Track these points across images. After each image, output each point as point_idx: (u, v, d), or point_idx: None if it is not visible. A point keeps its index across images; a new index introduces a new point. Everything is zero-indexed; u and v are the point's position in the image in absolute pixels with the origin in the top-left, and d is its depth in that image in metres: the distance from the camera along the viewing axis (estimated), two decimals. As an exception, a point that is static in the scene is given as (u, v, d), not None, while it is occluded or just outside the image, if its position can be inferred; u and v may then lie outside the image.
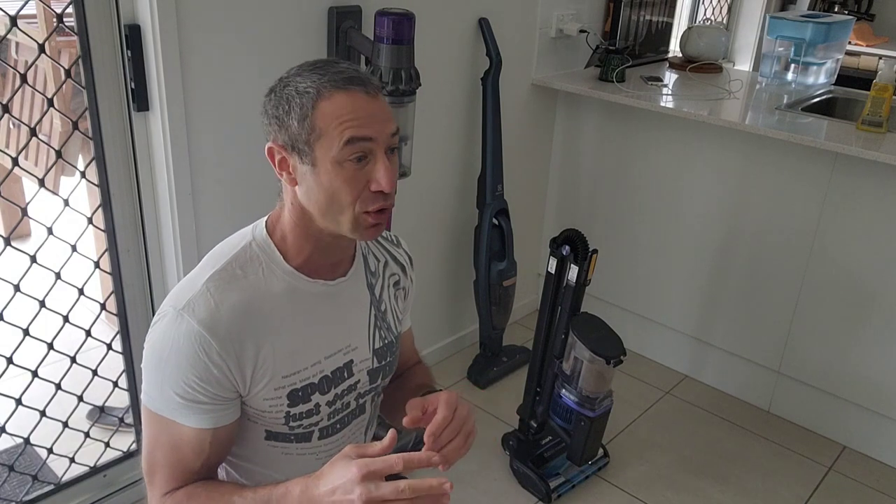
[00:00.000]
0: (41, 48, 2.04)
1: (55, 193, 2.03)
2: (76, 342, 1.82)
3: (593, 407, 1.92)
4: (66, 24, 1.60)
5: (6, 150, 2.63)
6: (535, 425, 2.10)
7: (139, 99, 1.64)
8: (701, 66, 2.86)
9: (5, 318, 1.64)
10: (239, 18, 1.72)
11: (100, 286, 2.13)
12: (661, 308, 2.69)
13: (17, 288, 1.66)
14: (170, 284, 1.83)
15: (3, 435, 1.75)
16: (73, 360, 1.80)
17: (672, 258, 2.61)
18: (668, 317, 2.69)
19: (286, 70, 0.99)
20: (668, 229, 2.59)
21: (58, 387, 1.78)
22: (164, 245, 1.80)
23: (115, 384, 1.90)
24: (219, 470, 1.10)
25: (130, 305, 1.82)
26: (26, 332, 1.69)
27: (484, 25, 2.30)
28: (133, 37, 1.59)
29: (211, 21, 1.67)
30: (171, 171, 1.69)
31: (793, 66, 2.75)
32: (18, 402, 1.75)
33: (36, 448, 1.88)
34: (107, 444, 1.95)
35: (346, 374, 1.09)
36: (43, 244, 1.64)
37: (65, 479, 1.87)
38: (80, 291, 1.77)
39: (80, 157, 2.38)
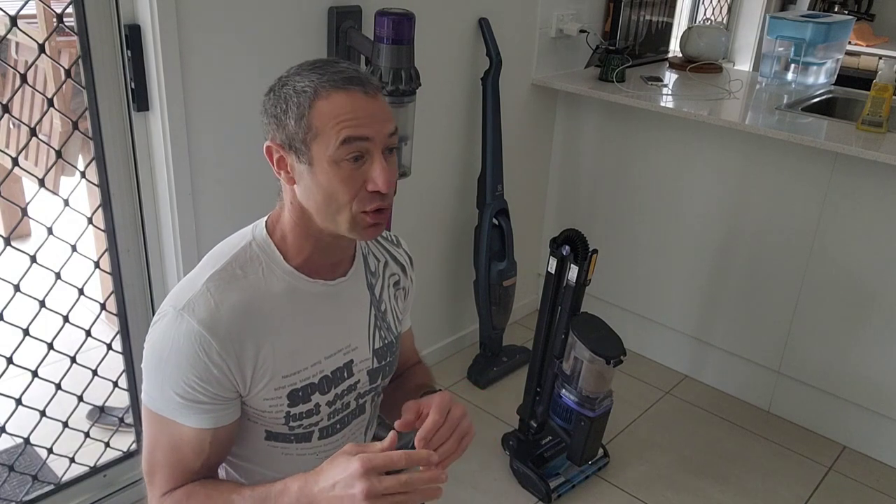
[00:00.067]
0: (41, 48, 2.04)
1: (55, 193, 2.03)
2: (76, 342, 1.82)
3: (593, 407, 1.92)
4: (66, 24, 1.60)
5: (6, 150, 2.63)
6: (535, 425, 2.10)
7: (139, 99, 1.64)
8: (701, 66, 2.86)
9: (5, 318, 1.64)
10: (239, 18, 1.72)
11: (100, 286, 2.13)
12: (661, 308, 2.69)
13: (17, 288, 1.66)
14: (170, 284, 1.83)
15: (3, 435, 1.75)
16: (73, 360, 1.80)
17: (672, 258, 2.61)
18: (668, 317, 2.69)
19: (286, 70, 0.99)
20: (668, 229, 2.59)
21: (58, 387, 1.78)
22: (164, 245, 1.80)
23: (115, 384, 1.90)
24: (219, 470, 1.10)
25: (130, 305, 1.82)
26: (26, 332, 1.69)
27: (484, 25, 2.30)
28: (133, 37, 1.59)
29: (211, 21, 1.67)
30: (171, 171, 1.69)
31: (793, 66, 2.75)
32: (18, 402, 1.75)
33: (36, 448, 1.88)
34: (107, 444, 1.95)
35: (346, 374, 1.09)
36: (43, 244, 1.64)
37: (65, 479, 1.87)
38: (80, 291, 1.77)
39: (80, 157, 2.38)
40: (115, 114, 1.65)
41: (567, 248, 1.94)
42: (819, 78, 2.78)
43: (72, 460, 1.87)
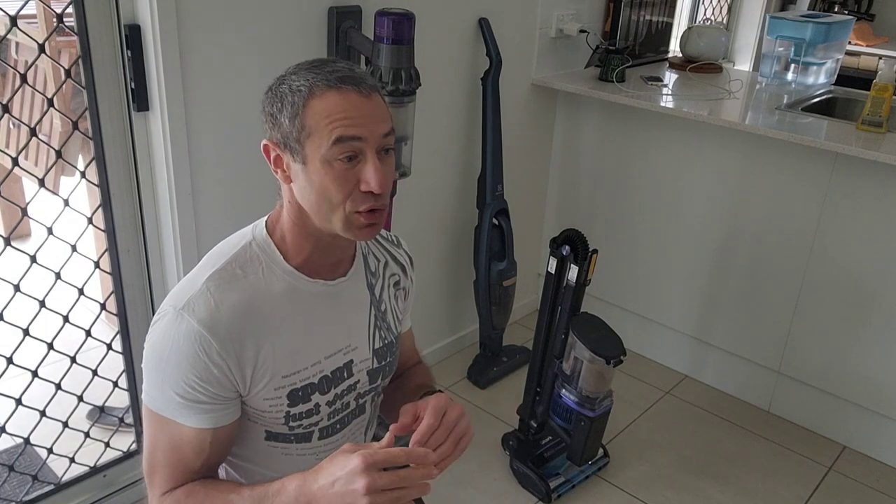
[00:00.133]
0: (41, 48, 2.04)
1: (55, 193, 2.03)
2: (76, 342, 1.82)
3: (593, 407, 1.92)
4: (66, 24, 1.60)
5: (6, 150, 2.63)
6: (535, 425, 2.10)
7: (139, 99, 1.64)
8: (701, 66, 2.86)
9: (5, 318, 1.64)
10: (239, 18, 1.72)
11: (100, 286, 2.13)
12: (661, 308, 2.69)
13: (17, 288, 1.66)
14: (170, 284, 1.83)
15: (3, 435, 1.75)
16: (73, 360, 1.80)
17: (672, 258, 2.61)
18: (668, 317, 2.69)
19: (286, 69, 0.99)
20: (668, 229, 2.59)
21: (58, 387, 1.78)
22: (164, 245, 1.80)
23: (115, 384, 1.90)
24: (219, 470, 1.09)
25: (130, 305, 1.82)
26: (26, 332, 1.69)
27: (484, 25, 2.30)
28: (133, 37, 1.59)
29: (211, 21, 1.67)
30: (171, 171, 1.69)
31: (793, 66, 2.75)
32: (18, 402, 1.75)
33: (36, 448, 1.88)
34: (107, 444, 1.95)
35: (345, 374, 1.09)
36: (43, 244, 1.64)
37: (65, 479, 1.87)
38: (80, 291, 1.77)
39: (80, 157, 2.38)
40: (115, 114, 1.65)
41: (567, 248, 1.94)
42: (819, 78, 2.78)
43: (72, 460, 1.87)
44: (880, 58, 3.80)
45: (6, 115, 1.57)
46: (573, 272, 1.93)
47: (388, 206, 1.00)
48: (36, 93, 2.49)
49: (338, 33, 1.89)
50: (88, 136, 1.66)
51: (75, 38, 1.57)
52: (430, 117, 2.23)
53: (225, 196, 1.83)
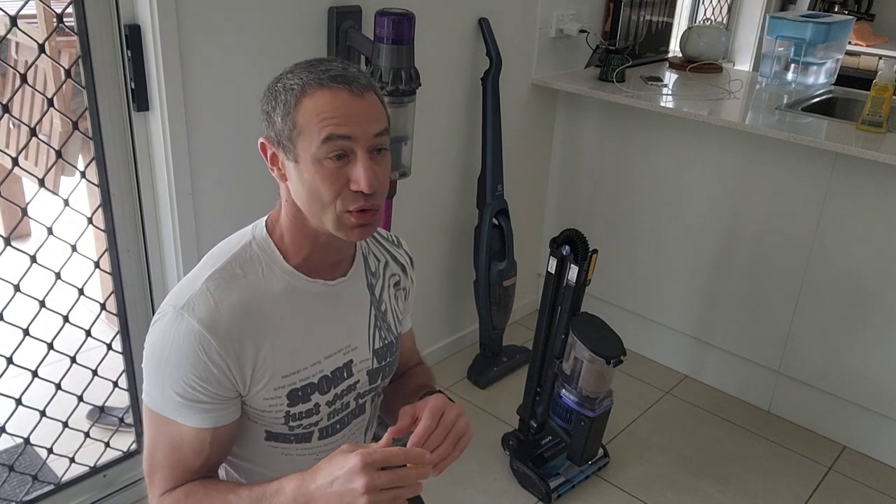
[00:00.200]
0: (41, 48, 2.04)
1: (55, 193, 2.03)
2: (76, 342, 1.82)
3: (593, 407, 1.92)
4: (66, 24, 1.60)
5: (6, 150, 2.63)
6: (535, 425, 2.10)
7: (139, 99, 1.64)
8: (701, 66, 2.86)
9: (5, 318, 1.64)
10: (239, 18, 1.72)
11: (100, 286, 2.13)
12: (661, 308, 2.69)
13: (17, 288, 1.66)
14: (170, 284, 1.83)
15: (3, 435, 1.75)
16: (73, 360, 1.80)
17: (672, 258, 2.61)
18: (668, 317, 2.69)
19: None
20: (668, 229, 2.59)
21: (58, 387, 1.78)
22: (164, 245, 1.80)
23: (115, 384, 1.90)
24: (219, 470, 1.10)
25: (130, 305, 1.82)
26: (26, 332, 1.69)
27: (484, 25, 2.30)
28: (133, 37, 1.59)
29: (211, 21, 1.67)
30: (171, 171, 1.69)
31: (793, 66, 2.75)
32: (18, 402, 1.75)
33: (36, 448, 1.88)
34: (107, 444, 1.95)
35: (345, 374, 1.09)
36: (43, 244, 1.64)
37: (65, 479, 1.87)
38: (80, 291, 1.77)
39: (80, 157, 2.38)
40: (115, 114, 1.65)
41: (567, 248, 1.94)
42: (819, 78, 2.78)
43: (72, 460, 1.87)
44: (880, 58, 3.80)
45: (6, 115, 1.57)
46: (573, 272, 1.93)
47: (381, 207, 0.99)
48: (36, 93, 2.50)
49: (338, 33, 1.89)
50: (88, 136, 1.66)
51: (75, 38, 1.57)
52: (430, 117, 2.23)
53: (225, 196, 1.83)
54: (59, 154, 2.09)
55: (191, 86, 1.67)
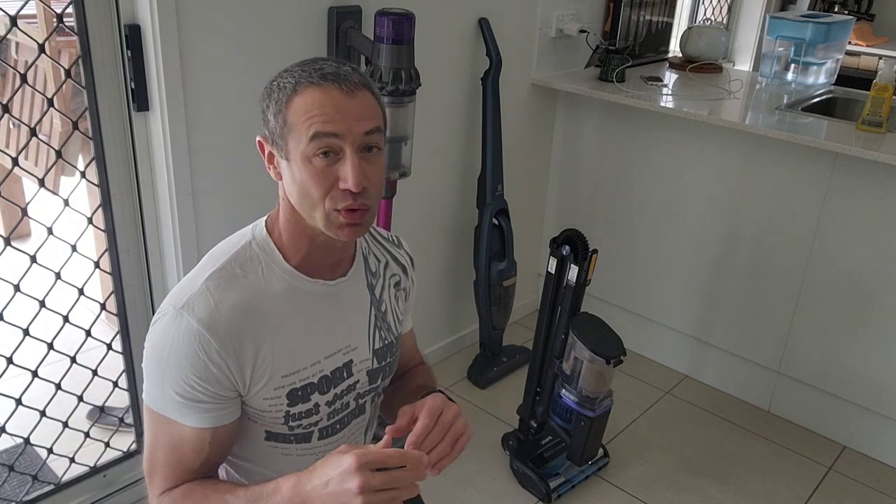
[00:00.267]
0: (41, 48, 2.04)
1: (55, 193, 2.03)
2: (76, 342, 1.82)
3: (593, 407, 1.92)
4: (66, 24, 1.60)
5: (6, 150, 2.63)
6: (535, 425, 2.10)
7: (139, 99, 1.64)
8: (701, 66, 2.86)
9: (5, 318, 1.64)
10: (239, 18, 1.72)
11: (100, 286, 2.13)
12: (661, 308, 2.69)
13: (17, 288, 1.66)
14: (170, 284, 1.83)
15: (3, 435, 1.75)
16: (73, 360, 1.80)
17: (672, 258, 2.61)
18: (668, 317, 2.69)
19: (284, 68, 0.99)
20: (668, 229, 2.59)
21: (58, 387, 1.78)
22: (164, 245, 1.80)
23: (115, 384, 1.90)
24: (220, 470, 1.10)
25: (130, 305, 1.82)
26: (26, 332, 1.69)
27: (484, 25, 2.30)
28: (133, 37, 1.59)
29: (211, 21, 1.67)
30: (171, 171, 1.69)
31: (793, 66, 2.75)
32: (18, 402, 1.75)
33: (36, 448, 1.88)
34: (107, 444, 1.95)
35: (345, 375, 1.09)
36: (43, 244, 1.64)
37: (65, 479, 1.87)
38: (80, 291, 1.77)
39: (80, 157, 2.39)
40: (115, 114, 1.65)
41: (567, 248, 1.94)
42: (819, 78, 2.78)
43: (72, 460, 1.87)
44: (880, 58, 3.80)
45: (6, 115, 1.57)
46: (573, 272, 1.93)
47: (374, 206, 0.98)
48: (36, 93, 2.50)
49: (338, 33, 1.89)
50: (88, 136, 1.66)
51: (75, 38, 1.57)
52: (430, 117, 2.23)
53: (225, 196, 1.83)
54: (59, 154, 2.09)
55: (191, 86, 1.67)
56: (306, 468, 0.93)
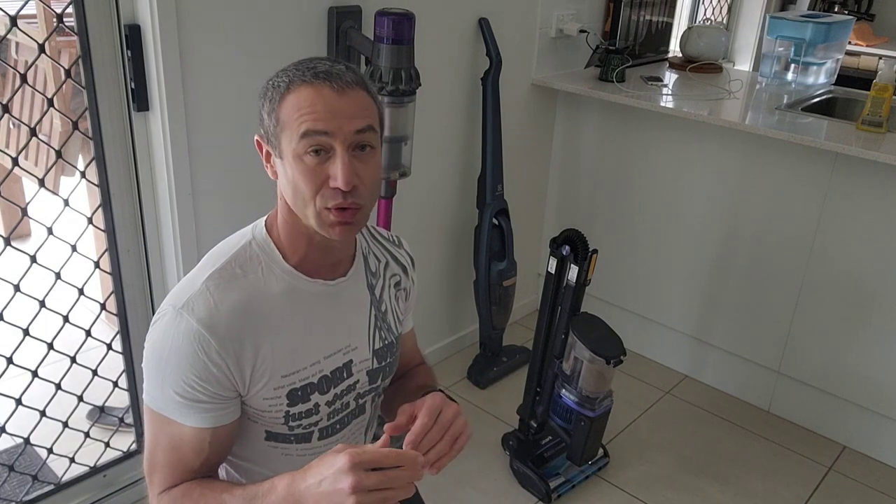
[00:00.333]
0: (41, 48, 2.04)
1: (55, 193, 2.03)
2: (76, 342, 1.82)
3: (593, 407, 1.92)
4: (66, 24, 1.60)
5: (6, 150, 2.63)
6: (535, 425, 2.10)
7: (139, 99, 1.64)
8: (701, 66, 2.86)
9: (5, 318, 1.64)
10: (239, 18, 1.72)
11: (100, 286, 2.13)
12: (661, 308, 2.69)
13: (17, 288, 1.66)
14: (170, 284, 1.83)
15: (3, 435, 1.75)
16: (73, 360, 1.80)
17: (672, 258, 2.61)
18: (668, 317, 2.69)
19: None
20: (668, 229, 2.59)
21: (58, 387, 1.78)
22: (164, 245, 1.80)
23: (115, 384, 1.90)
24: (220, 470, 1.10)
25: (130, 305, 1.82)
26: (26, 332, 1.69)
27: (484, 25, 2.30)
28: (133, 37, 1.59)
29: (211, 21, 1.67)
30: (171, 171, 1.69)
31: (793, 66, 2.75)
32: (18, 402, 1.75)
33: (36, 448, 1.88)
34: (107, 444, 1.95)
35: (345, 375, 1.09)
36: (43, 244, 1.64)
37: (65, 479, 1.87)
38: (80, 291, 1.77)
39: (80, 157, 2.38)
40: (115, 114, 1.65)
41: (567, 248, 1.94)
42: (819, 78, 2.78)
43: (72, 460, 1.87)
44: (880, 58, 3.80)
45: (6, 115, 1.57)
46: (573, 272, 1.93)
47: (366, 205, 0.98)
48: (36, 93, 2.50)
49: (338, 33, 1.89)
50: (88, 136, 1.66)
51: (75, 38, 1.57)
52: (430, 117, 2.23)
53: (225, 196, 1.83)
54: (59, 154, 2.09)
55: (191, 86, 1.67)
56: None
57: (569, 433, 1.99)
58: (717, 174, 2.43)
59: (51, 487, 1.84)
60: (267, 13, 1.77)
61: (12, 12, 1.58)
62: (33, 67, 2.51)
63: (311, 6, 1.85)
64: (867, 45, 4.16)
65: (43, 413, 1.80)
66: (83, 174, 1.81)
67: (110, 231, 1.73)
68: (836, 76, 2.84)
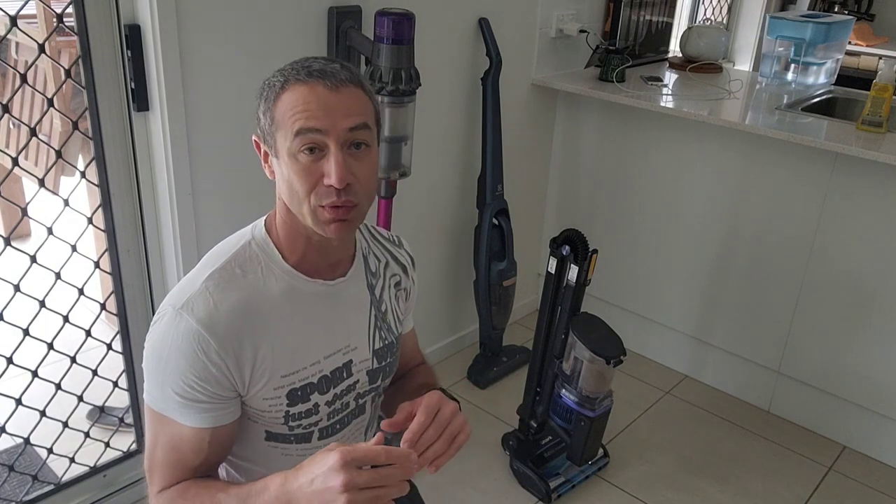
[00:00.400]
0: (41, 48, 2.04)
1: (55, 193, 2.03)
2: (76, 342, 1.82)
3: (593, 407, 1.92)
4: (66, 24, 1.60)
5: (6, 150, 2.63)
6: (535, 425, 2.10)
7: (139, 99, 1.64)
8: (701, 66, 2.86)
9: (5, 318, 1.64)
10: (239, 18, 1.72)
11: (100, 286, 2.13)
12: (661, 308, 2.69)
13: (17, 288, 1.66)
14: (170, 284, 1.83)
15: (3, 435, 1.75)
16: (73, 360, 1.80)
17: (672, 258, 2.61)
18: (668, 317, 2.69)
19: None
20: (668, 229, 2.59)
21: (58, 387, 1.78)
22: (164, 245, 1.80)
23: (115, 384, 1.90)
24: (220, 470, 1.10)
25: (130, 305, 1.82)
26: (26, 332, 1.69)
27: (484, 25, 2.30)
28: (133, 37, 1.59)
29: (211, 21, 1.67)
30: (171, 171, 1.69)
31: (793, 66, 2.75)
32: (18, 402, 1.75)
33: (36, 448, 1.88)
34: (107, 444, 1.95)
35: (345, 374, 1.09)
36: (43, 244, 1.64)
37: (65, 479, 1.87)
38: (80, 291, 1.77)
39: (80, 157, 2.38)
40: (115, 114, 1.65)
41: (567, 248, 1.94)
42: (819, 78, 2.78)
43: (72, 460, 1.87)
44: (880, 58, 3.80)
45: (6, 115, 1.57)
46: (573, 272, 1.93)
47: (362, 204, 0.98)
48: (36, 93, 2.50)
49: (338, 33, 1.89)
50: (88, 136, 1.66)
51: (75, 38, 1.57)
52: (430, 117, 2.23)
53: (225, 196, 1.83)
54: (59, 154, 2.09)
55: (191, 86, 1.67)
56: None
57: (569, 433, 1.99)
58: (717, 174, 2.43)
59: (51, 487, 1.84)
60: (267, 13, 1.77)
61: (12, 12, 1.58)
62: (33, 67, 2.51)
63: (311, 6, 1.85)
64: (867, 45, 4.16)
65: (43, 413, 1.80)
66: (83, 174, 1.81)
67: (110, 231, 1.73)
68: (836, 76, 2.84)
